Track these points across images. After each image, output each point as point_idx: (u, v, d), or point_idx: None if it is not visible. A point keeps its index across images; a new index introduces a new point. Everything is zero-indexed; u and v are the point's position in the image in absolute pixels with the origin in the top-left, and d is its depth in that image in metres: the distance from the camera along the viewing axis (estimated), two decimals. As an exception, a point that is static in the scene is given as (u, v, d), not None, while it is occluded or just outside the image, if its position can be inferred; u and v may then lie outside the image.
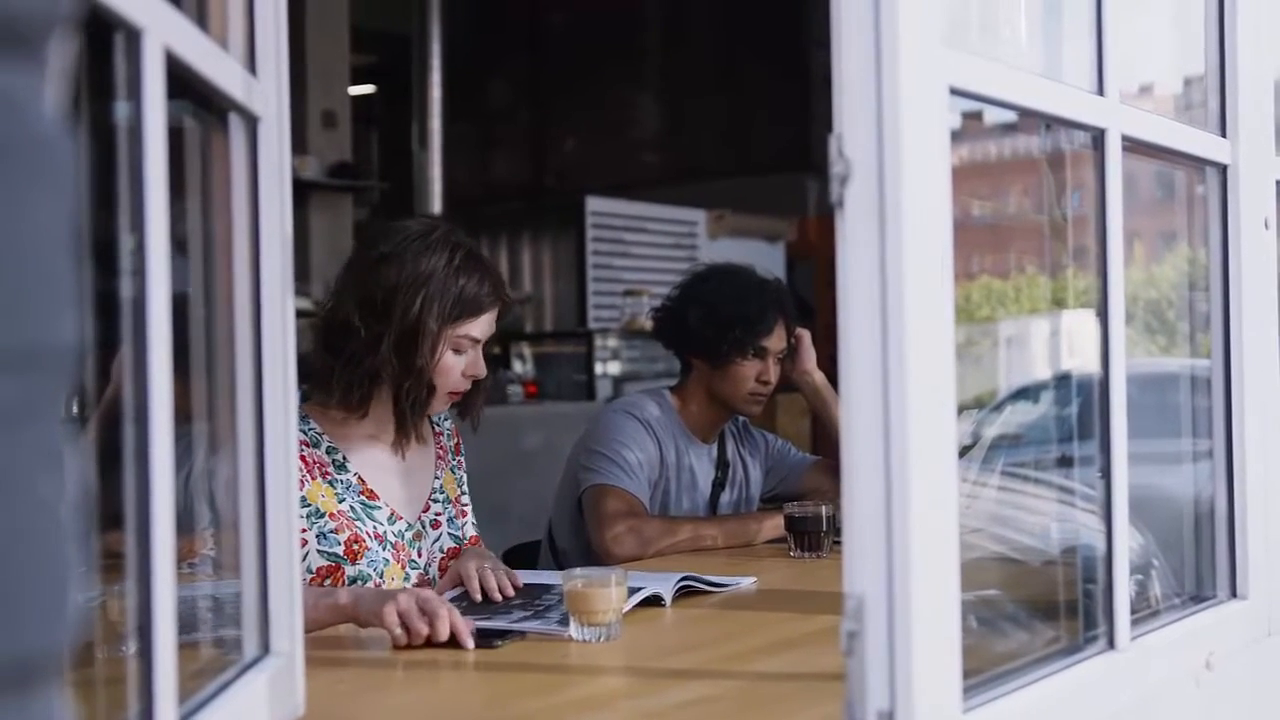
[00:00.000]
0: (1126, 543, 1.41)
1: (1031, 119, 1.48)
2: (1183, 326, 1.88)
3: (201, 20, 1.11)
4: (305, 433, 2.10)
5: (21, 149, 0.55)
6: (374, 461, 2.17)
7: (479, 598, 1.97)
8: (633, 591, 1.91)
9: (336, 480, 2.11)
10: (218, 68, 1.11)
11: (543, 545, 2.89)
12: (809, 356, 2.89)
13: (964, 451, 1.66)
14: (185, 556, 0.93)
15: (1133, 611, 1.43)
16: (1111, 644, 1.40)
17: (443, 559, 2.22)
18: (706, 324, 2.76)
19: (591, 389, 6.53)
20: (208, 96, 1.14)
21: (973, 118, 1.35)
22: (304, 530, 2.04)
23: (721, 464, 2.90)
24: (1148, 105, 1.63)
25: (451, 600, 1.97)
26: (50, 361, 0.56)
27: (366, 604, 1.81)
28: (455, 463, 2.33)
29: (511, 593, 2.01)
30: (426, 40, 7.49)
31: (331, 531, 2.07)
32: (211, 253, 1.24)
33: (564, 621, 1.78)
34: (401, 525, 2.16)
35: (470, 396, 2.21)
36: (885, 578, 1.06)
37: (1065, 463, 1.70)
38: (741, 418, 2.94)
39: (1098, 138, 1.42)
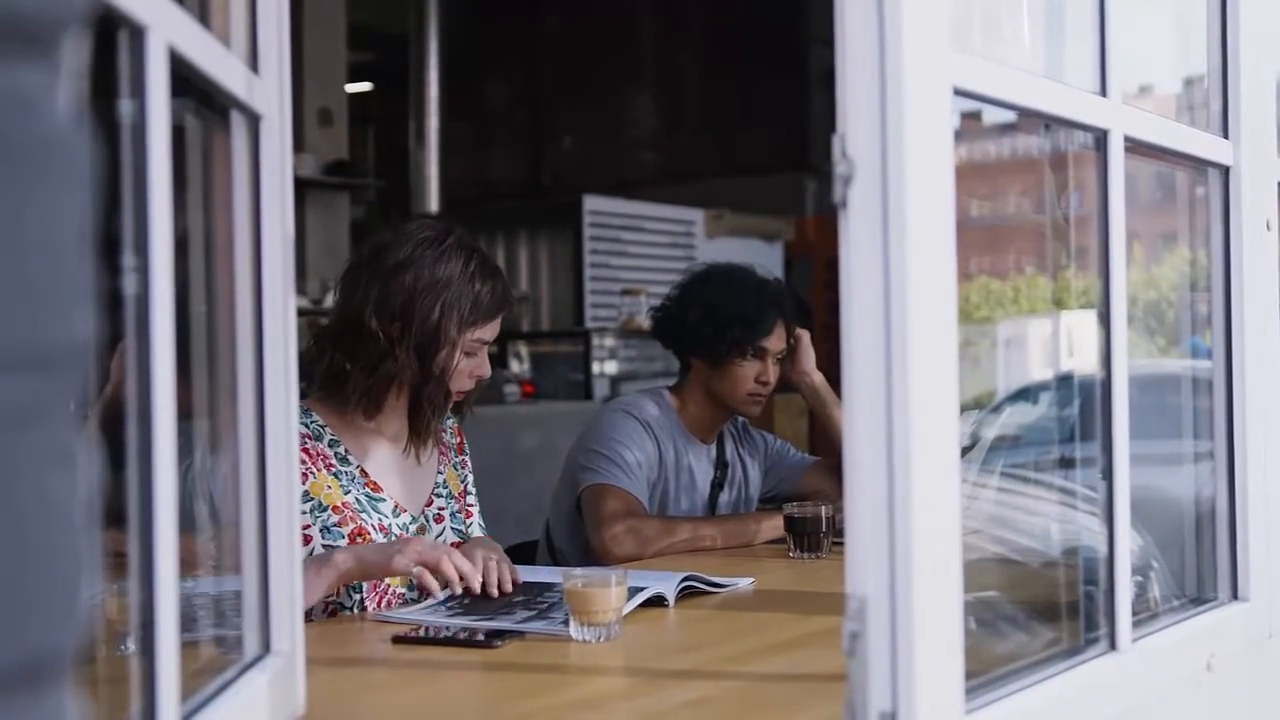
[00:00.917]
0: (1128, 544, 1.41)
1: (1031, 119, 1.47)
2: (1183, 328, 1.88)
3: (204, 17, 1.11)
4: (307, 425, 2.11)
5: (36, 147, 0.55)
6: (377, 455, 2.18)
7: (477, 588, 1.96)
8: (634, 592, 1.91)
9: (341, 473, 2.12)
10: (221, 65, 1.11)
11: (540, 545, 2.89)
12: (808, 357, 2.89)
13: (963, 453, 1.66)
14: (185, 570, 0.93)
15: (1134, 613, 1.43)
16: (1113, 645, 1.40)
17: (447, 553, 2.23)
18: (706, 324, 2.76)
19: (589, 389, 6.53)
20: (210, 94, 1.14)
21: (971, 118, 1.35)
22: (307, 526, 2.04)
23: (720, 464, 2.90)
24: (1149, 106, 1.63)
25: (453, 598, 1.97)
26: (63, 360, 0.56)
27: (371, 561, 1.93)
28: (459, 460, 2.34)
29: (510, 588, 2.00)
30: (424, 38, 7.49)
31: (335, 525, 2.08)
32: (213, 250, 1.24)
33: (568, 621, 1.77)
34: (406, 518, 2.17)
35: (467, 393, 2.22)
36: (888, 578, 1.06)
37: (1065, 464, 1.70)
38: (741, 418, 2.94)
39: (1100, 138, 1.42)
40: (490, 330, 2.17)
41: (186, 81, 1.02)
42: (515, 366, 6.72)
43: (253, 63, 1.24)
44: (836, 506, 2.44)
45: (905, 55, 1.06)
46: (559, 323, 7.44)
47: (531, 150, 9.72)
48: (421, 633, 1.80)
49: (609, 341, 6.71)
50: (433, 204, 7.49)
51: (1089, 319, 1.48)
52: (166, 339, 0.91)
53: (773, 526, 2.63)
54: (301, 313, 2.26)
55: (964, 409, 1.18)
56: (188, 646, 0.99)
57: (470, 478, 2.35)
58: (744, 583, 2.19)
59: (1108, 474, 1.41)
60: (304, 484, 2.04)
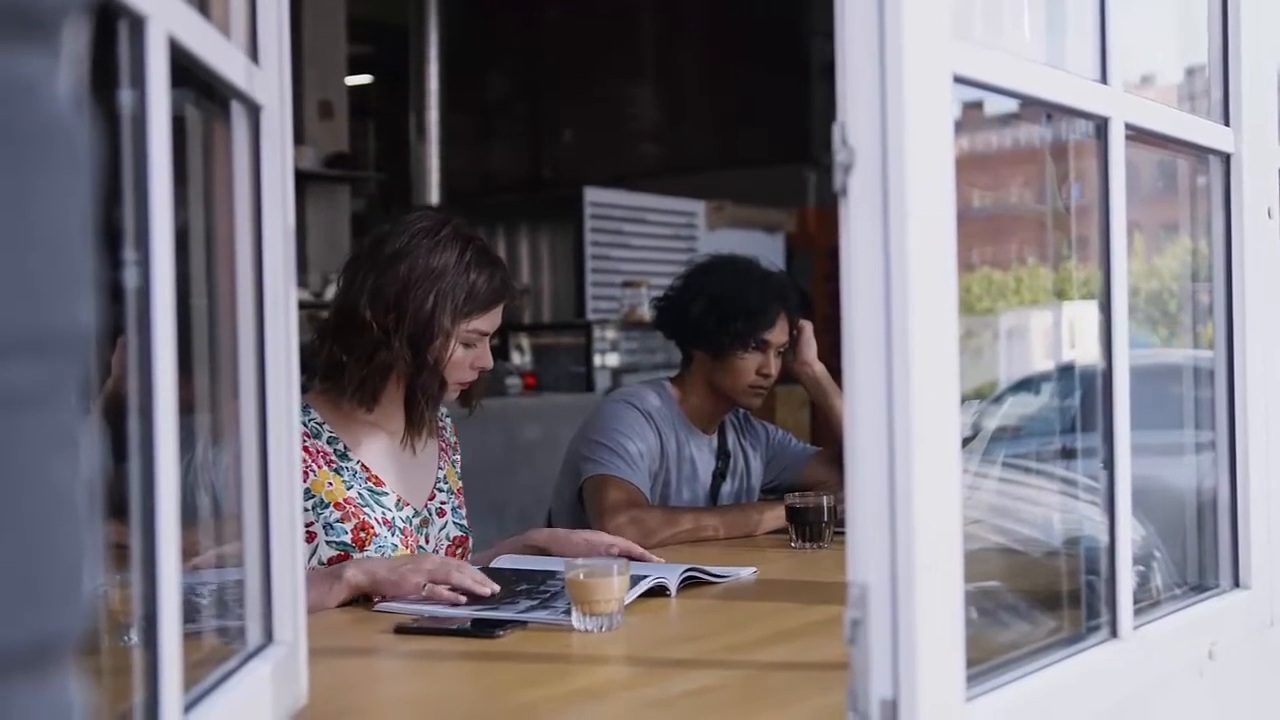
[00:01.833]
0: (1129, 533, 1.41)
1: (1032, 109, 1.47)
2: (1184, 317, 1.88)
3: (204, 7, 1.11)
4: (306, 423, 2.11)
5: (38, 134, 0.55)
6: (377, 449, 2.18)
7: (487, 595, 1.92)
8: (636, 581, 1.91)
9: (342, 468, 2.12)
10: (221, 55, 1.11)
11: (543, 536, 2.89)
12: (810, 348, 2.89)
13: (965, 443, 1.66)
14: (186, 561, 0.93)
15: (1135, 601, 1.43)
16: (1114, 633, 1.40)
17: (449, 546, 2.23)
18: (709, 316, 2.75)
19: (590, 380, 6.53)
20: (210, 85, 1.14)
21: (972, 108, 1.35)
22: (310, 524, 2.05)
23: (722, 454, 2.90)
24: (1150, 94, 1.63)
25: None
26: (66, 346, 0.56)
27: (382, 579, 1.91)
28: (455, 459, 2.35)
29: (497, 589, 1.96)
30: (424, 31, 7.49)
31: (338, 521, 2.08)
32: (213, 242, 1.24)
33: (570, 611, 1.78)
34: (409, 512, 2.18)
35: (472, 385, 2.22)
36: (889, 566, 1.06)
37: (1066, 454, 1.69)
38: (743, 408, 2.94)
39: (1101, 126, 1.41)
40: (488, 321, 2.16)
41: (186, 72, 1.02)
42: (516, 359, 6.73)
43: (253, 53, 1.23)
44: (838, 497, 2.44)
45: (905, 42, 1.06)
46: (560, 315, 7.45)
47: (532, 143, 9.72)
48: (424, 623, 1.80)
49: (610, 333, 6.71)
50: (433, 197, 7.49)
51: (1090, 309, 1.48)
52: (168, 331, 0.91)
53: (774, 516, 2.64)
54: (302, 306, 2.26)
55: (965, 399, 1.18)
56: (190, 637, 0.99)
57: (459, 473, 2.36)
58: (746, 572, 2.19)
59: (1109, 464, 1.41)
60: (304, 482, 2.04)
